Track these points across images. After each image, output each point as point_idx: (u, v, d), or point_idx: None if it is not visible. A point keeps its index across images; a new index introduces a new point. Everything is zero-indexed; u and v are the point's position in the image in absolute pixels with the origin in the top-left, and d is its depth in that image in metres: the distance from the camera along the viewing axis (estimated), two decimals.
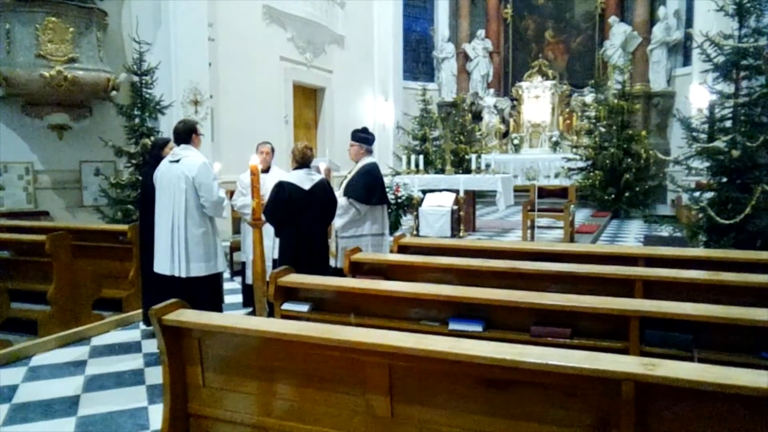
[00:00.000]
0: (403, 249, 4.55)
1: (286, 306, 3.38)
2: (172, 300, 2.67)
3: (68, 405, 3.44)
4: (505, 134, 16.38)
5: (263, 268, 3.53)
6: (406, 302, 3.22)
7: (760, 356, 2.51)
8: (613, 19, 15.08)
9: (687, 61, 13.82)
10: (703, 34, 6.00)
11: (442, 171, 11.03)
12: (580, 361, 1.94)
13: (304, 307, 3.34)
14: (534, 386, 2.02)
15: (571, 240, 8.46)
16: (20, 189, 7.24)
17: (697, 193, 6.26)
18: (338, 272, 4.56)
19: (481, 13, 17.06)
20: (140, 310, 4.97)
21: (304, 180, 4.27)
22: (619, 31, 14.91)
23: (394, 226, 8.78)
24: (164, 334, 2.56)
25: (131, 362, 4.15)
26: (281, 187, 4.22)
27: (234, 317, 2.85)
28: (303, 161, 4.34)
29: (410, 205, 9.13)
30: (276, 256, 4.50)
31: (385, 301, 3.25)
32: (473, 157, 10.11)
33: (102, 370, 4.00)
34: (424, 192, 9.26)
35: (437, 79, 17.35)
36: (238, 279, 6.20)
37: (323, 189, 4.34)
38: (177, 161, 4.10)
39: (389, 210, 6.80)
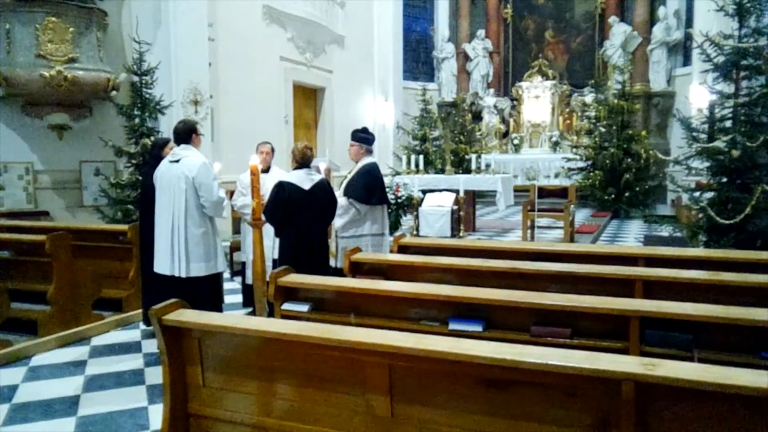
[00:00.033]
0: (403, 249, 4.55)
1: (286, 306, 3.38)
2: (172, 300, 2.67)
3: (68, 405, 3.44)
4: (505, 134, 16.38)
5: (263, 268, 3.53)
6: (406, 302, 3.22)
7: (760, 356, 2.51)
8: (613, 19, 15.08)
9: (687, 61, 13.82)
10: (703, 34, 5.99)
11: (442, 171, 11.04)
12: (580, 361, 1.94)
13: (304, 307, 3.34)
14: (534, 386, 2.02)
15: (571, 240, 8.46)
16: (20, 189, 7.24)
17: (697, 193, 6.26)
18: (338, 272, 4.56)
19: (481, 13, 17.06)
20: (140, 310, 4.97)
21: (304, 180, 4.27)
22: (619, 31, 14.91)
23: (394, 226, 8.78)
24: (164, 334, 2.56)
25: (131, 362, 4.15)
26: (281, 187, 4.22)
27: (234, 317, 2.85)
28: (303, 161, 4.34)
29: (410, 205, 9.13)
30: (276, 256, 4.50)
31: (385, 301, 3.25)
32: (473, 157, 10.11)
33: (102, 370, 4.00)
34: (424, 192, 9.26)
35: (437, 79, 17.35)
36: (238, 279, 6.20)
37: (323, 189, 4.34)
38: (177, 161, 4.09)
39: (389, 210, 6.80)
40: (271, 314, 3.51)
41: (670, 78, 14.48)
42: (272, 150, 5.31)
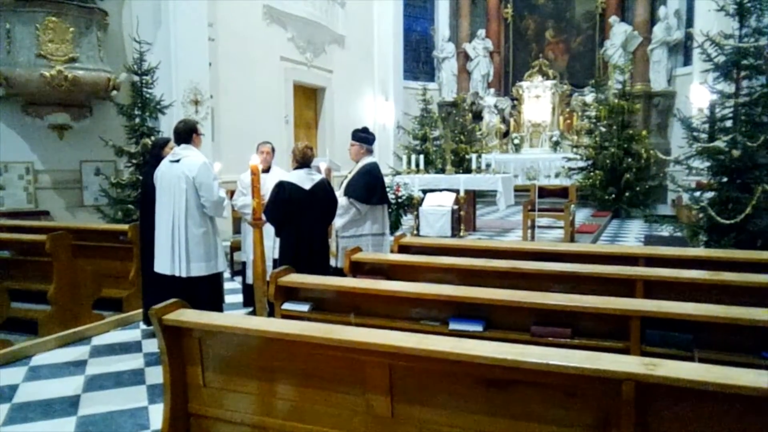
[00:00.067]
0: (403, 249, 4.54)
1: (287, 306, 3.37)
2: (173, 300, 2.67)
3: (68, 405, 3.44)
4: (506, 134, 16.38)
5: (263, 268, 3.53)
6: (407, 302, 3.21)
7: (761, 356, 2.51)
8: (613, 19, 15.08)
9: (687, 60, 13.82)
10: (703, 34, 5.99)
11: (442, 171, 11.03)
12: (581, 361, 1.93)
13: (304, 307, 3.34)
14: (535, 386, 2.02)
15: (572, 240, 8.46)
16: (20, 189, 7.24)
17: (697, 193, 6.26)
18: (339, 272, 4.56)
19: (481, 12, 17.06)
20: (140, 310, 4.98)
21: (305, 180, 4.27)
22: (619, 31, 14.91)
23: (395, 225, 8.78)
24: (164, 333, 2.56)
25: (131, 362, 4.15)
26: (282, 187, 4.22)
27: (234, 317, 2.85)
28: (303, 161, 4.34)
29: (410, 204, 9.13)
30: (276, 256, 4.50)
31: (385, 301, 3.25)
32: (473, 156, 10.11)
33: (102, 369, 4.00)
34: (425, 192, 9.26)
35: (437, 78, 17.35)
36: (239, 279, 6.20)
37: (323, 189, 4.34)
38: (177, 161, 4.09)
39: (389, 210, 6.79)
40: (271, 314, 3.51)
41: (670, 78, 14.48)
42: (272, 150, 5.31)
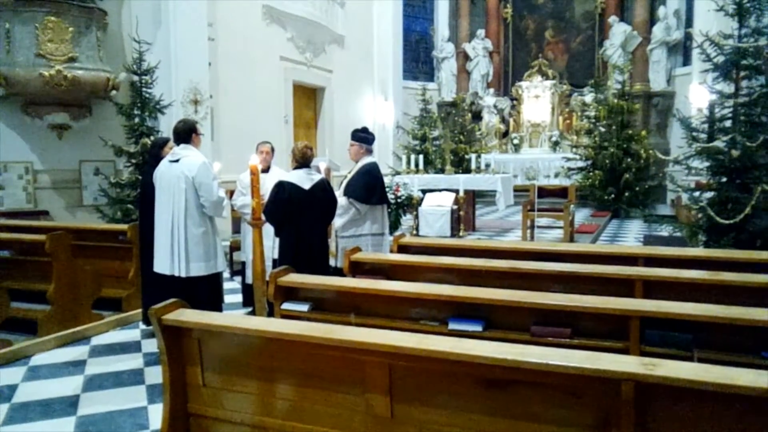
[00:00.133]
0: (403, 249, 4.55)
1: (286, 306, 3.38)
2: (172, 300, 2.67)
3: (68, 405, 3.44)
4: (505, 134, 16.38)
5: (263, 268, 3.52)
6: (407, 302, 3.21)
7: (761, 356, 2.51)
8: (612, 19, 15.08)
9: (687, 60, 13.83)
10: (703, 34, 5.99)
11: (441, 171, 11.03)
12: (581, 361, 1.93)
13: (304, 307, 3.34)
14: (534, 386, 2.02)
15: (571, 240, 8.47)
16: (20, 189, 7.24)
17: (696, 193, 6.26)
18: (338, 272, 4.56)
19: (480, 12, 17.06)
20: (140, 310, 4.97)
21: (304, 180, 4.27)
22: (618, 31, 14.91)
23: (394, 225, 8.78)
24: (164, 333, 2.56)
25: (131, 362, 4.15)
26: (281, 187, 4.22)
27: (234, 317, 2.85)
28: (303, 161, 4.34)
29: (410, 204, 9.13)
30: (276, 256, 4.50)
31: (385, 300, 3.25)
32: (473, 156, 10.11)
33: (102, 369, 4.00)
34: (424, 192, 9.27)
35: (437, 78, 17.35)
36: (238, 279, 6.19)
37: (323, 189, 4.34)
38: (177, 161, 4.09)
39: (389, 210, 6.80)
40: (270, 314, 3.51)
41: (669, 78, 14.49)
42: (272, 150, 5.31)
